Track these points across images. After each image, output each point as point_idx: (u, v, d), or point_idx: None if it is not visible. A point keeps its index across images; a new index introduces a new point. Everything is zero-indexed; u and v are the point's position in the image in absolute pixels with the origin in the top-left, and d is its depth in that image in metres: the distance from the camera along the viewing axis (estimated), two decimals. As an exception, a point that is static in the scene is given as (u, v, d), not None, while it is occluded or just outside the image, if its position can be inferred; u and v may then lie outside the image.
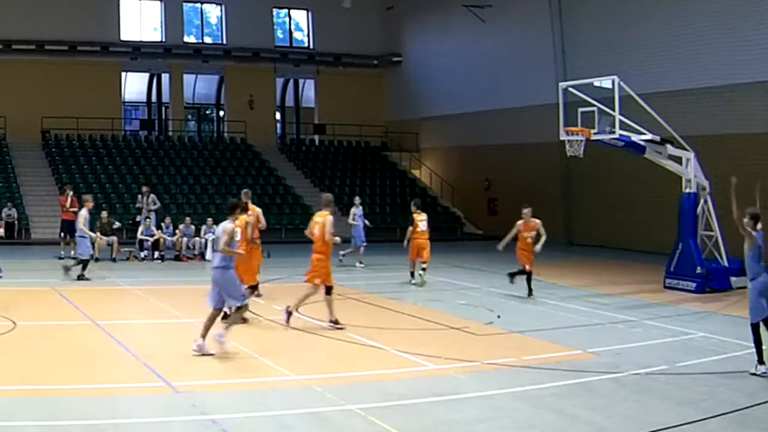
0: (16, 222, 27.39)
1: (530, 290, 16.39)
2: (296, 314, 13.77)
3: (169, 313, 14.03)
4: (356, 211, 22.97)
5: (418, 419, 8.12)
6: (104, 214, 23.43)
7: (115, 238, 22.57)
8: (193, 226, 23.53)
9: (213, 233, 23.25)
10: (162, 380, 9.22)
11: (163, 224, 23.24)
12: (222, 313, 11.32)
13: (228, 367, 10.24)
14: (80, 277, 17.82)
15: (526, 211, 16.59)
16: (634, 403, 8.83)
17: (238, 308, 10.94)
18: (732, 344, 11.90)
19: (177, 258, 22.65)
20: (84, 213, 18.42)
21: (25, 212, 28.29)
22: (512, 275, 16.51)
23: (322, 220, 12.57)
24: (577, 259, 24.86)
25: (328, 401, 8.60)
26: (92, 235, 18.91)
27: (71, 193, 23.09)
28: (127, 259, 22.40)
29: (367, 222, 23.28)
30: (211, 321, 10.68)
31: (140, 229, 23.10)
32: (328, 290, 12.65)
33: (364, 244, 22.49)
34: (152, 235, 22.80)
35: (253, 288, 13.86)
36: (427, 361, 10.57)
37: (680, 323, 13.69)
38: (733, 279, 17.84)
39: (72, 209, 22.79)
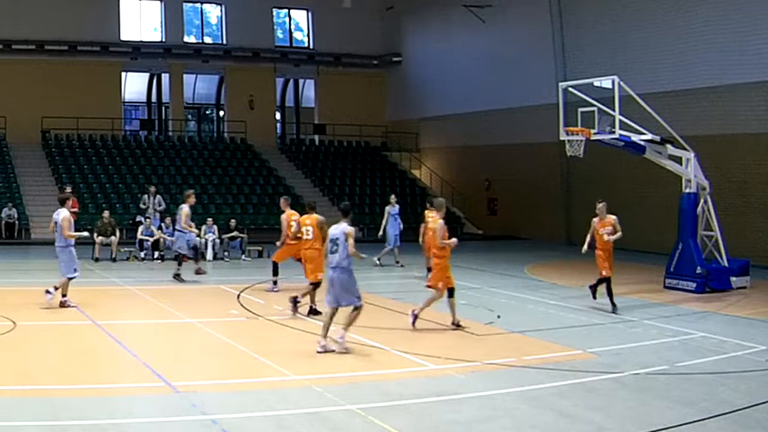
0: (16, 222, 27.40)
1: (612, 303, 14.63)
2: (297, 314, 13.79)
3: (169, 313, 14.03)
4: (391, 210, 22.20)
5: (418, 419, 8.12)
6: (106, 213, 23.43)
7: (114, 239, 22.55)
8: (193, 226, 23.48)
9: (213, 232, 23.33)
10: (162, 380, 9.22)
11: (163, 224, 23.23)
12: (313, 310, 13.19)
13: (228, 367, 10.25)
14: (176, 276, 17.95)
15: (600, 205, 14.97)
16: (634, 403, 8.83)
17: (356, 308, 11.18)
18: (732, 344, 11.91)
19: (177, 258, 22.60)
20: (186, 209, 18.18)
21: (25, 212, 28.29)
22: (594, 288, 14.88)
23: (433, 226, 12.76)
24: (577, 259, 24.79)
25: (328, 401, 8.60)
26: (195, 231, 18.79)
27: (71, 194, 23.01)
28: (127, 259, 22.40)
29: (400, 224, 22.24)
30: (330, 319, 11.06)
31: (140, 229, 23.09)
32: (451, 292, 12.79)
33: (395, 245, 21.74)
34: (152, 235, 22.79)
35: (316, 285, 13.98)
36: (427, 361, 10.58)
37: (680, 323, 13.70)
38: (733, 279, 17.87)
39: (72, 210, 22.76)
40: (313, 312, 13.68)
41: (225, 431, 7.55)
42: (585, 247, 15.19)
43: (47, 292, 13.83)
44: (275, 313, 13.96)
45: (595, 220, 15.04)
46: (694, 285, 17.30)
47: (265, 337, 12.27)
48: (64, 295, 13.91)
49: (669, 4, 25.55)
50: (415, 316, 12.72)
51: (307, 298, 13.83)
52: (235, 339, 11.67)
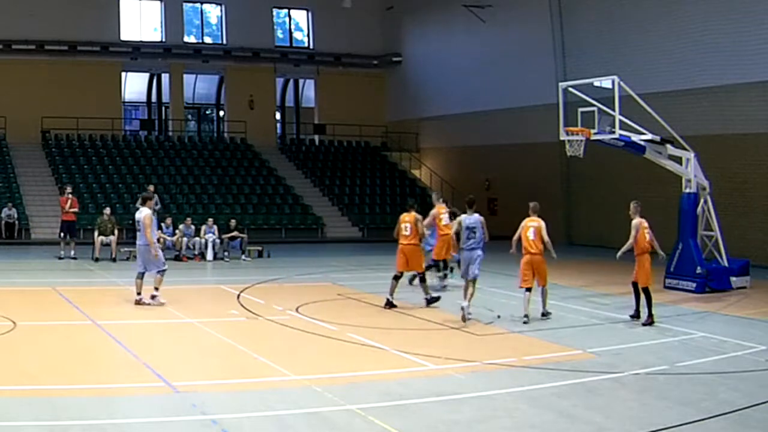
0: (16, 222, 27.41)
1: (650, 314, 13.51)
2: (297, 314, 13.80)
3: (169, 313, 14.02)
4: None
5: (418, 419, 8.12)
6: (107, 210, 23.47)
7: (113, 238, 22.53)
8: (193, 226, 23.52)
9: (213, 232, 23.30)
10: (162, 380, 9.22)
11: (163, 224, 23.21)
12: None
13: (228, 367, 10.25)
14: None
15: (632, 206, 14.13)
16: (634, 403, 8.84)
17: (473, 281, 13.57)
18: (732, 344, 11.90)
19: (177, 258, 22.63)
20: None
21: (25, 212, 28.30)
22: (649, 315, 13.49)
23: (537, 225, 13.77)
24: (577, 259, 24.83)
25: (328, 401, 8.60)
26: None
27: (71, 194, 23.06)
28: (127, 259, 22.37)
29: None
30: (470, 290, 13.52)
31: (140, 229, 23.05)
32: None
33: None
34: (152, 235, 22.74)
35: (421, 277, 15.19)
36: (427, 361, 10.57)
37: (680, 323, 13.70)
38: (733, 279, 17.86)
39: (72, 210, 22.80)
40: (389, 305, 14.61)
41: (225, 431, 7.55)
42: (622, 252, 14.33)
43: (152, 297, 14.36)
44: (275, 313, 13.96)
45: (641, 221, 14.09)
46: (694, 285, 17.29)
47: (265, 337, 12.27)
48: (156, 289, 14.41)
49: (669, 4, 25.55)
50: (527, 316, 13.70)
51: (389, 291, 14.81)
52: (235, 339, 11.67)
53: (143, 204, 14.93)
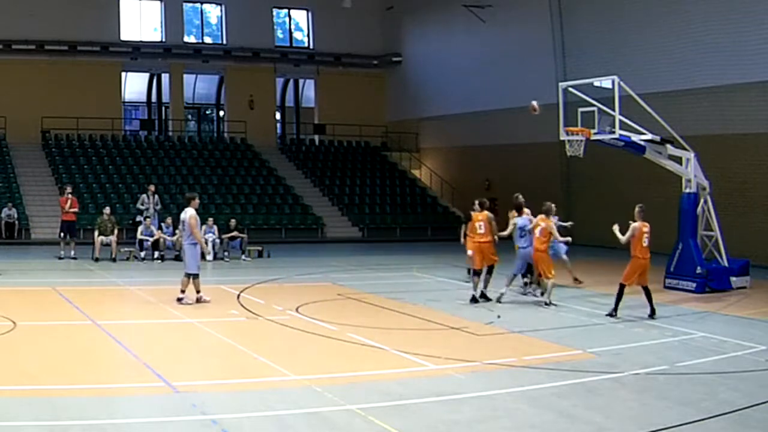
0: (16, 222, 27.41)
1: (615, 308, 14.17)
2: (297, 314, 13.81)
3: (169, 313, 14.02)
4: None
5: (418, 419, 8.12)
6: (107, 210, 23.46)
7: (113, 238, 22.52)
8: (193, 226, 23.45)
9: (213, 232, 23.29)
10: (162, 380, 9.21)
11: (163, 224, 23.23)
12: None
13: (228, 367, 10.25)
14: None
15: (638, 209, 14.35)
16: (634, 403, 8.83)
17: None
18: (732, 344, 11.90)
19: (177, 258, 22.58)
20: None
21: (25, 212, 28.30)
22: (614, 309, 14.10)
23: (545, 225, 15.12)
24: (577, 259, 24.82)
25: (328, 401, 8.60)
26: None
27: (71, 194, 23.06)
28: (127, 259, 22.40)
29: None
30: (510, 280, 15.67)
31: (140, 229, 23.09)
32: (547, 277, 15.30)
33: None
34: (152, 235, 22.79)
35: (483, 271, 15.69)
36: (427, 361, 10.56)
37: (680, 323, 13.69)
38: (733, 279, 17.84)
39: (72, 210, 22.80)
40: (483, 297, 15.45)
41: (225, 431, 7.55)
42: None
43: (179, 299, 14.51)
44: (275, 313, 13.97)
45: (637, 225, 14.26)
46: (694, 285, 17.28)
47: (265, 337, 12.27)
48: (182, 291, 14.54)
49: (669, 4, 25.54)
50: (548, 304, 15.10)
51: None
52: (235, 339, 11.67)
53: (187, 204, 15.08)
